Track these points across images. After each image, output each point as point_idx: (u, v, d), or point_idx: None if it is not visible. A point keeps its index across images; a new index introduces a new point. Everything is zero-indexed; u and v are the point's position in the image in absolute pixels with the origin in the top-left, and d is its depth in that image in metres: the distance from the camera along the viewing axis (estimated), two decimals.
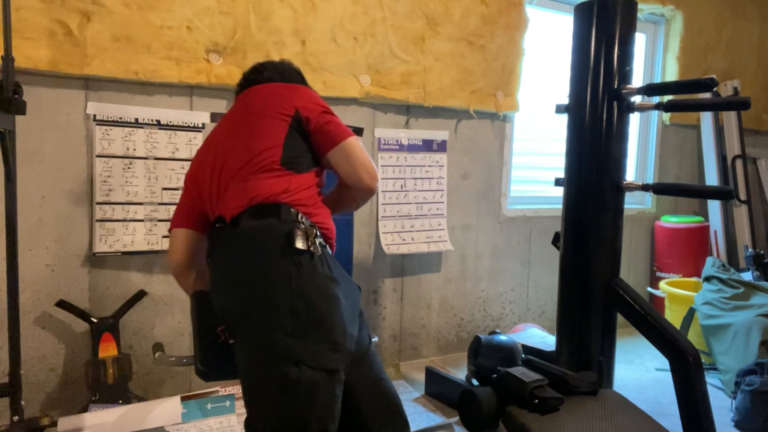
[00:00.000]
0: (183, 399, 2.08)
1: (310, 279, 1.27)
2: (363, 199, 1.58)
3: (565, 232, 1.96)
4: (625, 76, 1.81)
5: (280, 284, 1.25)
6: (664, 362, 1.69)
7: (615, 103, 1.81)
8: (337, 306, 1.28)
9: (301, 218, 1.34)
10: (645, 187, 1.82)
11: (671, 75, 3.77)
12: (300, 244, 1.28)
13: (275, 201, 1.34)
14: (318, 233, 1.35)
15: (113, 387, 2.13)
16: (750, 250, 3.45)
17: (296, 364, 1.21)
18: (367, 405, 1.39)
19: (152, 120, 2.24)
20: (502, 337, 2.42)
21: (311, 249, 1.29)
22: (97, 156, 2.16)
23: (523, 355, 2.29)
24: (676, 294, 3.14)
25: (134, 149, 2.22)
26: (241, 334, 1.29)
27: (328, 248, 1.41)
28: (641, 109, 1.86)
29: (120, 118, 2.19)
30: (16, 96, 1.75)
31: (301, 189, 1.39)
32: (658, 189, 1.85)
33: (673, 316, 3.08)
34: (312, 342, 1.23)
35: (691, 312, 2.93)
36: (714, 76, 3.16)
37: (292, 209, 1.35)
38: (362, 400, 1.39)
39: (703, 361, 1.66)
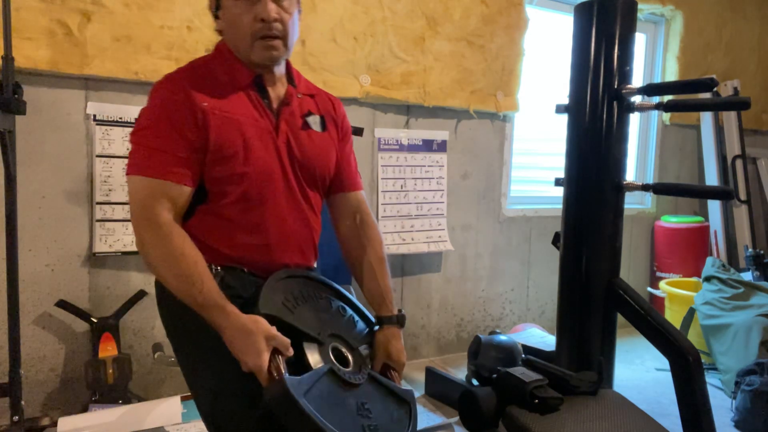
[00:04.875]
0: (183, 399, 2.08)
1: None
2: None
3: (565, 232, 1.95)
4: (625, 76, 1.81)
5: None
6: (664, 362, 1.68)
7: (615, 103, 1.81)
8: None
9: None
10: (645, 187, 1.82)
11: (671, 75, 3.77)
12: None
13: None
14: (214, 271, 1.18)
15: (113, 387, 2.13)
16: (750, 250, 3.45)
17: (216, 397, 1.16)
18: None
19: None
20: (502, 337, 2.42)
21: None
22: (97, 156, 2.16)
23: (523, 355, 2.29)
24: (676, 294, 3.14)
25: None
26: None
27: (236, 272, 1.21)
28: (641, 109, 1.86)
29: (120, 118, 2.19)
30: (16, 96, 1.75)
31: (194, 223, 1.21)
32: (658, 189, 1.84)
33: (673, 316, 3.08)
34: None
35: (691, 312, 2.93)
36: (714, 76, 3.16)
37: None
38: None
39: (703, 361, 1.66)
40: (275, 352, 1.05)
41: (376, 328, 1.33)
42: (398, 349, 1.32)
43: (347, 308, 1.33)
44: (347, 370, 1.17)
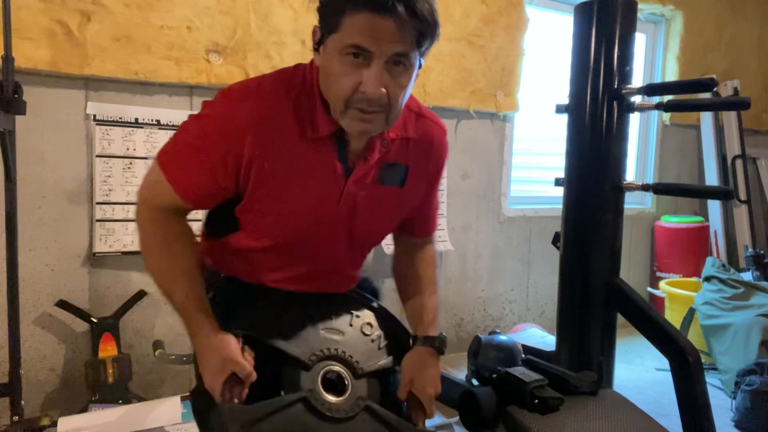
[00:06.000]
0: (183, 399, 2.08)
1: None
2: None
3: (565, 232, 1.95)
4: (625, 76, 1.81)
5: None
6: (664, 362, 1.68)
7: (615, 103, 1.81)
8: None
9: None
10: (645, 187, 1.82)
11: (671, 75, 3.77)
12: None
13: None
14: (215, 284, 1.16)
15: (113, 387, 2.13)
16: (750, 250, 3.45)
17: (196, 395, 1.11)
18: None
19: (152, 120, 2.24)
20: (502, 337, 2.41)
21: None
22: (97, 156, 2.16)
23: (523, 355, 2.29)
24: (676, 294, 3.14)
25: (134, 149, 2.22)
26: None
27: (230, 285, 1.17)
28: (641, 109, 1.85)
29: (120, 118, 2.19)
30: (16, 96, 1.75)
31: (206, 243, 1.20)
32: (658, 189, 1.84)
33: (673, 316, 3.08)
34: None
35: (691, 312, 2.93)
36: (714, 76, 3.16)
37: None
38: None
39: (703, 361, 1.66)
40: (235, 376, 0.98)
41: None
42: (425, 377, 1.14)
43: (375, 326, 1.18)
44: (334, 400, 1.03)
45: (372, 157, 1.06)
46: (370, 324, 1.17)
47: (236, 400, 0.97)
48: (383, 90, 0.93)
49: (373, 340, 1.15)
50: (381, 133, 1.05)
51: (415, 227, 1.28)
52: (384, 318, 1.21)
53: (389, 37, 0.89)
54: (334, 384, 1.06)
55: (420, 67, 1.01)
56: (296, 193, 1.04)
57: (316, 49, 1.00)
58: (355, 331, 1.14)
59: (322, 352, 1.07)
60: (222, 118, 1.02)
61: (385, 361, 1.14)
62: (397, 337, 1.19)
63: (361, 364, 1.09)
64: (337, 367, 1.07)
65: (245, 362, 0.98)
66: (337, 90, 0.94)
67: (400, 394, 1.14)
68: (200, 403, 1.07)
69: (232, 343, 1.00)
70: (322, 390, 1.03)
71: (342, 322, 1.15)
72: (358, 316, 1.17)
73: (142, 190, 1.08)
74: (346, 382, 1.06)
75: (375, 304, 1.23)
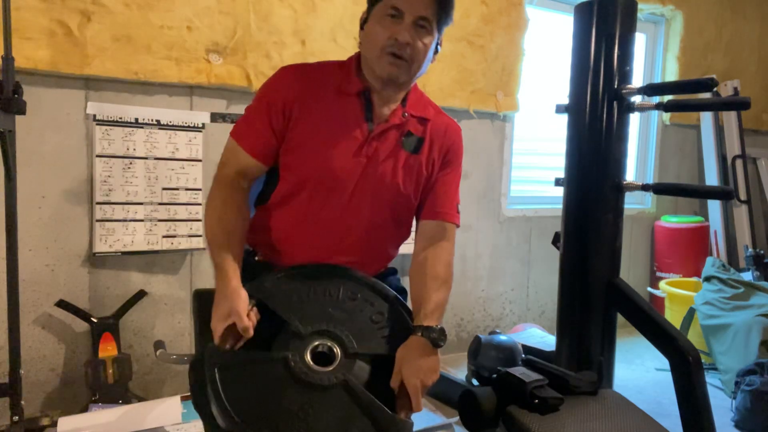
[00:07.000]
0: (183, 399, 2.08)
1: None
2: None
3: (565, 232, 1.95)
4: (625, 76, 1.81)
5: None
6: (664, 362, 1.68)
7: (615, 103, 1.80)
8: None
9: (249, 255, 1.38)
10: (645, 187, 1.82)
11: (671, 75, 3.77)
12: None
13: None
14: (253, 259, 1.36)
15: (113, 387, 2.13)
16: (750, 250, 3.45)
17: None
18: None
19: (152, 120, 2.24)
20: (502, 337, 2.41)
21: None
22: (97, 156, 2.16)
23: (523, 355, 2.29)
24: (676, 294, 3.14)
25: (134, 149, 2.22)
26: None
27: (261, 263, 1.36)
28: (641, 109, 1.85)
29: (120, 118, 2.19)
30: (16, 96, 1.75)
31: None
32: (658, 189, 1.84)
33: (673, 316, 3.08)
34: None
35: (691, 312, 2.93)
36: (714, 76, 3.16)
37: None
38: None
39: (703, 361, 1.66)
40: (234, 326, 1.09)
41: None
42: (413, 367, 1.16)
43: (386, 317, 1.21)
44: (316, 369, 1.07)
45: (393, 119, 1.31)
46: (381, 313, 1.23)
47: (228, 347, 1.08)
48: (409, 39, 1.21)
49: (378, 329, 1.20)
50: (403, 106, 1.33)
51: (426, 207, 1.41)
52: (397, 312, 1.24)
53: (417, 2, 1.21)
54: (326, 357, 1.12)
55: (437, 51, 1.31)
56: (326, 134, 1.27)
57: (361, 28, 1.30)
58: (363, 317, 1.20)
59: (320, 327, 1.14)
60: (272, 81, 1.32)
61: (380, 348, 1.18)
62: (405, 332, 1.22)
63: (356, 344, 1.14)
64: (330, 343, 1.14)
65: (245, 318, 1.09)
66: (376, 41, 1.23)
67: (392, 383, 1.17)
68: (196, 375, 1.12)
69: (241, 298, 1.13)
70: (307, 358, 1.10)
71: (354, 305, 1.21)
72: (372, 304, 1.23)
73: (220, 162, 1.31)
74: (335, 358, 1.12)
75: (393, 298, 1.27)
